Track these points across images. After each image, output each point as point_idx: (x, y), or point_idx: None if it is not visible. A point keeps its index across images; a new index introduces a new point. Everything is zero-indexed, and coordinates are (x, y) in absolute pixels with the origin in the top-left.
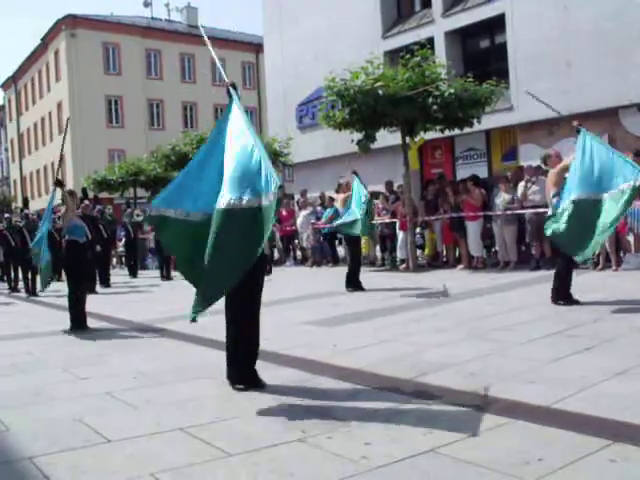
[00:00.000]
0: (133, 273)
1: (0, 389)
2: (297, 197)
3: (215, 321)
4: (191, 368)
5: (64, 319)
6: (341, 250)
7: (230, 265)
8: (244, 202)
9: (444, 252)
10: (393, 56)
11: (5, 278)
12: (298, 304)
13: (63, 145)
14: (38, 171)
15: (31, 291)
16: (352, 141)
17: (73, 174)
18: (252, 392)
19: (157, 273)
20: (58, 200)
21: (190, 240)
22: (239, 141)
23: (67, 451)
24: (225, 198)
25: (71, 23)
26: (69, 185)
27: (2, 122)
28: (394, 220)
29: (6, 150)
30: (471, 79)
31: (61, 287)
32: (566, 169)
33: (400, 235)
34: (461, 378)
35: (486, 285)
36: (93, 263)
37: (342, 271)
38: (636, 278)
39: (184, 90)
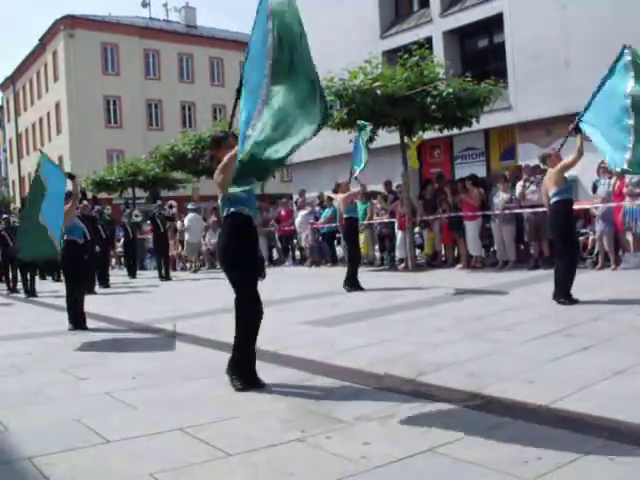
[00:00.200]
0: (132, 273)
1: (0, 389)
2: (296, 197)
3: (215, 321)
4: (190, 368)
5: (63, 319)
6: (340, 250)
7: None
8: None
9: (443, 251)
10: (391, 56)
11: (4, 279)
12: (297, 304)
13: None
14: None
15: (30, 292)
16: (350, 141)
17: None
18: (251, 392)
19: (156, 273)
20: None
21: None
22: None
23: (66, 451)
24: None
25: (69, 23)
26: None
27: (0, 123)
28: (393, 220)
29: (4, 151)
30: (469, 79)
31: (60, 287)
32: (567, 168)
33: (399, 235)
34: (460, 378)
35: (485, 284)
36: (92, 263)
37: (341, 271)
38: (635, 277)
39: (182, 90)
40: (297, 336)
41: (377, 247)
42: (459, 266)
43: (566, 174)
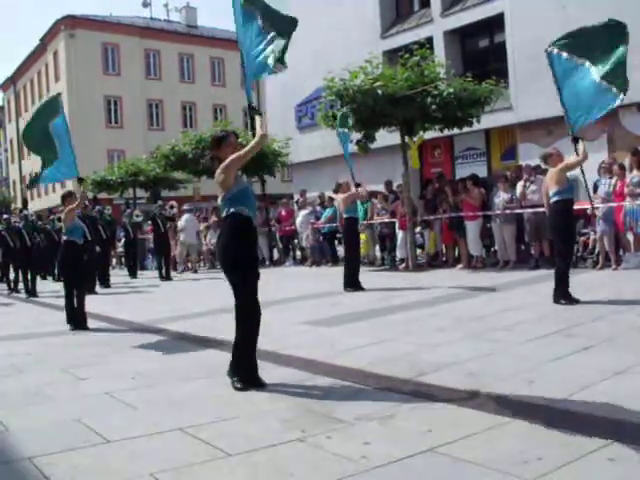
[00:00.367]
0: (133, 273)
1: (0, 389)
2: (296, 197)
3: (215, 321)
4: (190, 368)
5: (63, 320)
6: (341, 250)
7: None
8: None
9: (444, 251)
10: (392, 56)
11: (4, 279)
12: (298, 304)
13: None
14: (37, 172)
15: (31, 292)
16: (351, 141)
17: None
18: (252, 392)
19: (156, 273)
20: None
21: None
22: None
23: (67, 451)
24: None
25: (70, 23)
26: (68, 185)
27: (1, 123)
28: (393, 220)
29: (5, 151)
30: (470, 79)
31: (60, 287)
32: (569, 168)
33: (399, 235)
34: (460, 378)
35: (485, 284)
36: (93, 264)
37: (342, 271)
38: (635, 277)
39: (183, 90)
40: (297, 336)
41: (378, 247)
42: (460, 266)
43: (567, 174)
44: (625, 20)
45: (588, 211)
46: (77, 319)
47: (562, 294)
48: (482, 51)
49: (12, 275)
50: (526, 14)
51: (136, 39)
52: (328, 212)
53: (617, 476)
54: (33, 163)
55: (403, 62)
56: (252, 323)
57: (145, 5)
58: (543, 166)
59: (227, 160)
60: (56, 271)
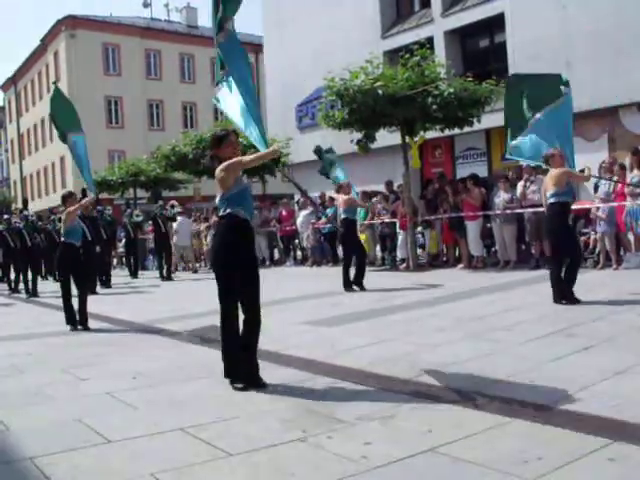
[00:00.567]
0: (133, 273)
1: (0, 389)
2: (297, 197)
3: (215, 321)
4: (191, 368)
5: (64, 320)
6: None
7: None
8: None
9: (444, 251)
10: (392, 56)
11: (5, 279)
12: (298, 304)
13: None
14: (38, 172)
15: (31, 292)
16: (352, 141)
17: (73, 174)
18: (252, 392)
19: (157, 273)
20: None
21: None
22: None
23: (68, 451)
24: None
25: (71, 24)
26: (69, 186)
27: (2, 123)
28: (394, 220)
29: (6, 151)
30: (470, 78)
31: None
32: (570, 177)
33: (400, 235)
34: (460, 378)
35: (486, 284)
36: (94, 264)
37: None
38: (636, 277)
39: (184, 90)
40: (298, 336)
41: (379, 247)
42: (460, 266)
43: (569, 179)
44: (625, 20)
45: (591, 216)
46: (80, 319)
47: (563, 294)
48: (482, 51)
49: (13, 275)
50: (526, 14)
51: (137, 39)
52: (329, 212)
53: (617, 476)
54: (34, 163)
55: (403, 62)
56: (226, 323)
57: (146, 5)
58: (544, 166)
59: (230, 161)
60: (56, 271)
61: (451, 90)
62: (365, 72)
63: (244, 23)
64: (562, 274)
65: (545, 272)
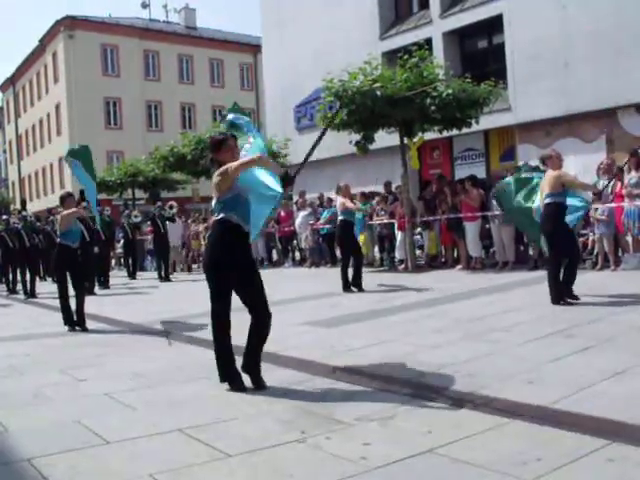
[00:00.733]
0: (132, 274)
1: None
2: (296, 198)
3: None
4: (190, 369)
5: (62, 321)
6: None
7: None
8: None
9: (443, 252)
10: (391, 57)
11: (3, 280)
12: (297, 305)
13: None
14: (36, 173)
15: (29, 293)
16: (350, 142)
17: (71, 175)
18: (251, 393)
19: (155, 274)
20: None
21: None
22: None
23: (66, 452)
24: None
25: (69, 24)
26: (67, 187)
27: (1, 124)
28: (392, 221)
29: (4, 152)
30: (469, 79)
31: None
32: (565, 181)
33: (399, 235)
34: (459, 378)
35: (484, 285)
36: (92, 264)
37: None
38: (635, 278)
39: (182, 91)
40: (297, 337)
41: (377, 248)
42: (459, 267)
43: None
44: (625, 20)
45: (591, 219)
46: (78, 320)
47: (561, 295)
48: (481, 52)
49: (11, 276)
50: (526, 14)
51: (135, 40)
52: (327, 213)
53: (616, 476)
54: (32, 164)
55: (402, 63)
56: (221, 327)
57: (144, 6)
58: (542, 167)
59: (227, 166)
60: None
61: (449, 91)
62: (364, 73)
63: (244, 24)
64: (560, 275)
65: (543, 273)
